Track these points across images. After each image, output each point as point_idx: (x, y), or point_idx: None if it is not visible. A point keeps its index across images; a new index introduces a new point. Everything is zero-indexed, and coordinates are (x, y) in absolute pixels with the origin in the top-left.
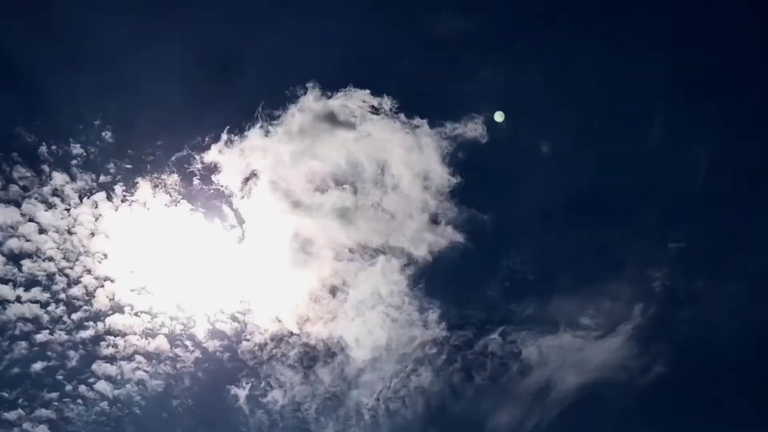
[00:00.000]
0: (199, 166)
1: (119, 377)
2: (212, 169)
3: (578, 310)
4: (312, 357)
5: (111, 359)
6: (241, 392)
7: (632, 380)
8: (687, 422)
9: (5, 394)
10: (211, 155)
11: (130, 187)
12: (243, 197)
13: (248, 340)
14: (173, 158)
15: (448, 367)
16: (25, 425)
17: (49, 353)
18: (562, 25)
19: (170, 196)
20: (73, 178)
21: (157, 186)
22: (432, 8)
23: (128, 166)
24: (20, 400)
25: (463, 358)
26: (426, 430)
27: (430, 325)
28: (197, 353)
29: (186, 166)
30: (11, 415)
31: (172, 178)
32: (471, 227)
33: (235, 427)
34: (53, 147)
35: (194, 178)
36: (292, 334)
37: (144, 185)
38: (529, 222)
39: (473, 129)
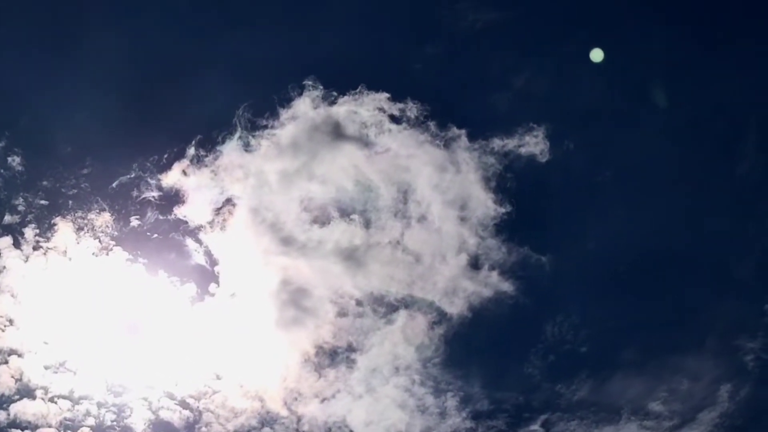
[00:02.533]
0: (153, 193)
1: None
2: (171, 196)
3: (647, 393)
4: None
5: None
6: None
7: None
8: None
9: None
10: (171, 178)
11: (45, 229)
12: (213, 233)
13: None
14: (114, 185)
15: None
16: None
17: None
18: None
19: (100, 241)
20: None
21: (82, 228)
22: None
23: (43, 202)
24: None
25: None
26: None
27: (449, 413)
28: None
29: (132, 194)
30: None
31: (103, 217)
32: (524, 273)
33: None
34: None
35: (133, 215)
36: (273, 419)
37: (64, 227)
38: (588, 272)
39: (529, 143)
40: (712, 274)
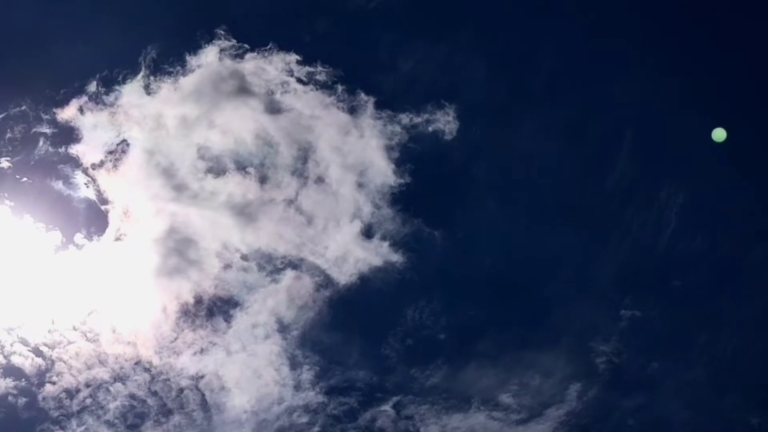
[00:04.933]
0: (45, 129)
1: None
2: (66, 132)
3: (498, 385)
4: (139, 413)
5: None
6: None
7: None
8: None
9: None
10: (67, 113)
11: None
12: (104, 173)
13: (54, 383)
14: (2, 116)
15: None
16: None
17: None
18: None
19: None
20: None
21: None
22: None
23: None
24: None
25: None
26: None
27: (302, 386)
28: None
29: (22, 127)
30: None
31: None
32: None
33: None
34: None
35: (8, 154)
36: (138, 369)
37: None
38: (457, 262)
39: (439, 120)
40: (574, 278)
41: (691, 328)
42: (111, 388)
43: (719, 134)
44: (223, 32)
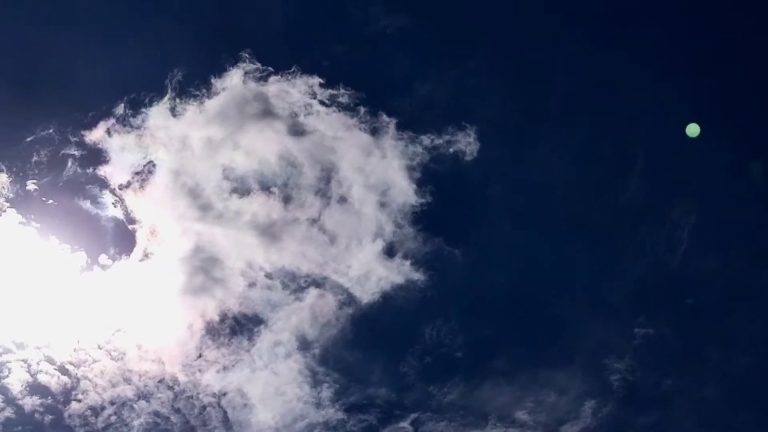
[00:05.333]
0: (73, 151)
1: None
2: (94, 154)
3: (513, 402)
4: (163, 430)
5: None
6: None
7: None
8: None
9: None
10: (95, 135)
11: None
12: (130, 194)
13: (80, 401)
14: (30, 140)
15: None
16: None
17: None
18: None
19: None
20: None
21: None
22: None
23: None
24: None
25: None
26: None
27: (323, 403)
28: (8, 412)
29: (49, 150)
30: None
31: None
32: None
33: None
34: None
35: (35, 177)
36: (161, 386)
37: None
38: (473, 282)
39: (460, 141)
40: (588, 296)
41: (704, 345)
42: (135, 406)
43: (693, 129)
44: (247, 55)
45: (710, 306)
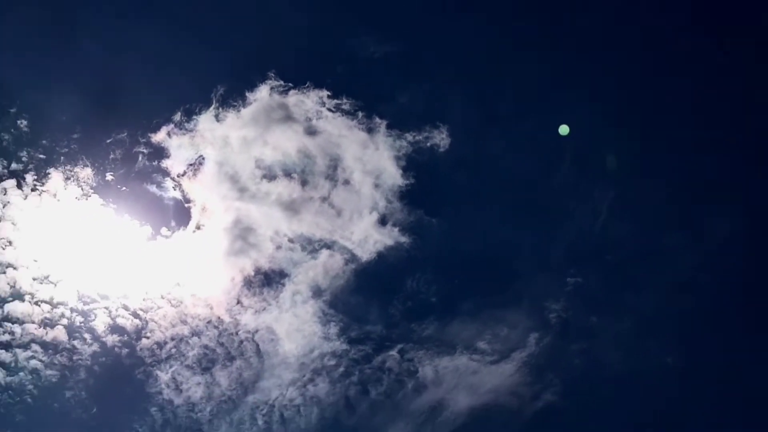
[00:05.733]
0: (143, 149)
1: (13, 365)
2: (158, 151)
3: (476, 335)
4: (210, 359)
5: (6, 346)
6: (137, 389)
7: (522, 407)
8: None
9: None
10: (159, 137)
11: (42, 177)
12: (187, 181)
13: (148, 338)
14: (109, 141)
15: (345, 379)
16: None
17: None
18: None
19: (81, 189)
20: None
21: (69, 178)
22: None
23: (41, 155)
24: None
25: (361, 372)
26: None
27: (330, 337)
28: (95, 347)
29: (122, 150)
30: None
31: (86, 172)
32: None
33: (128, 424)
34: None
35: (111, 171)
36: (213, 326)
37: (56, 176)
38: (447, 242)
39: (435, 137)
40: (531, 254)
41: (620, 291)
42: (189, 341)
43: (564, 129)
44: (272, 74)
45: (625, 261)
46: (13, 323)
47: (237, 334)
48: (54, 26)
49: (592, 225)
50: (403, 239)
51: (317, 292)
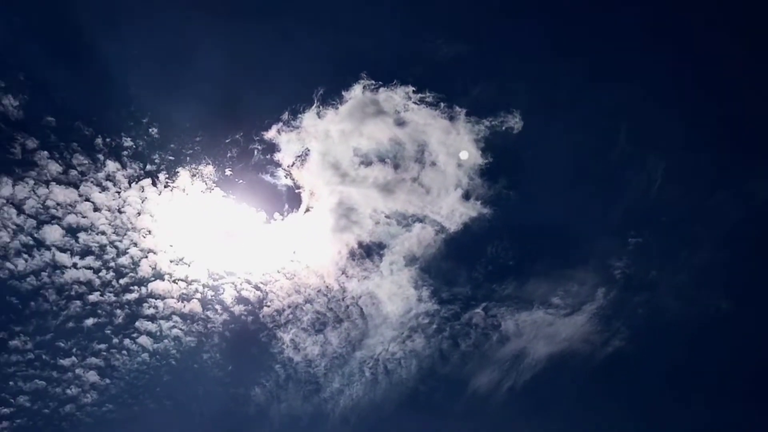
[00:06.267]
0: (257, 146)
1: (158, 333)
2: (270, 146)
3: (550, 292)
4: (322, 322)
5: (152, 318)
6: (262, 350)
7: (594, 352)
8: (638, 389)
9: (61, 344)
10: (270, 134)
11: (172, 175)
12: (296, 171)
13: (269, 307)
14: (227, 141)
15: (438, 335)
16: (78, 371)
17: (99, 311)
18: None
19: (205, 183)
20: (123, 166)
21: (195, 175)
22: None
23: (171, 157)
24: (74, 350)
25: (451, 328)
26: (417, 387)
27: (423, 299)
28: (225, 316)
29: (238, 148)
30: (66, 362)
31: (208, 169)
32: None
33: (256, 379)
34: (107, 139)
35: (230, 166)
36: (323, 294)
37: (183, 174)
38: (520, 211)
39: (509, 121)
40: (596, 219)
41: (676, 247)
42: (303, 308)
43: (463, 155)
44: (364, 75)
45: (678, 220)
46: (156, 299)
47: (344, 299)
48: (174, 42)
49: (647, 191)
50: (485, 211)
51: (411, 261)
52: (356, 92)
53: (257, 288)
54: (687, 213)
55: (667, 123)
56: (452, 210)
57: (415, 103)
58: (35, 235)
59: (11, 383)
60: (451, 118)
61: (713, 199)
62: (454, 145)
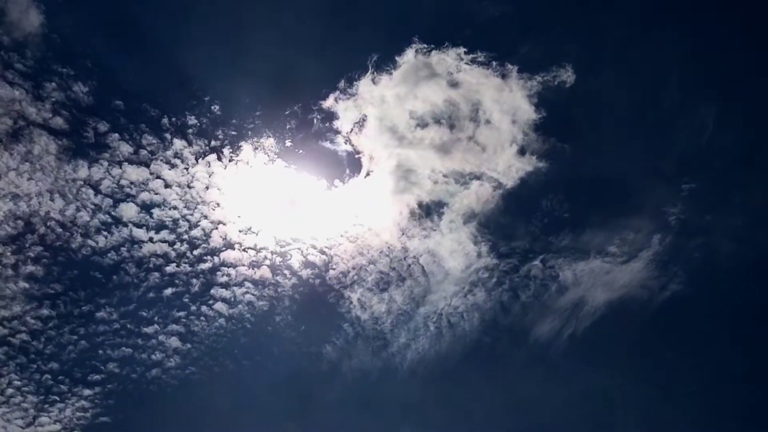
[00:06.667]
0: (316, 116)
1: (232, 299)
2: (329, 115)
3: (606, 241)
4: (386, 281)
5: (225, 285)
6: (331, 310)
7: (652, 297)
8: (696, 331)
9: (144, 313)
10: (328, 103)
11: (236, 149)
12: (354, 137)
13: (334, 269)
14: (287, 113)
15: (498, 288)
16: (161, 337)
17: (176, 281)
18: None
19: (267, 155)
20: (189, 144)
21: (257, 148)
22: None
23: (233, 132)
24: (156, 318)
25: (511, 280)
26: (480, 338)
27: (482, 254)
28: (294, 280)
29: (297, 119)
30: (149, 330)
31: (269, 141)
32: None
33: (326, 338)
34: (173, 119)
35: (290, 138)
36: (385, 254)
37: (246, 148)
38: (575, 163)
39: (561, 74)
40: (650, 166)
41: (729, 191)
42: (367, 268)
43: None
44: (416, 39)
45: (731, 165)
46: (228, 267)
47: (405, 259)
48: (229, 20)
49: (699, 137)
50: (541, 165)
51: (470, 217)
52: (409, 57)
53: (322, 252)
54: (739, 157)
55: (717, 69)
56: (508, 166)
57: (466, 63)
58: (112, 213)
59: (100, 352)
60: (504, 76)
61: (765, 142)
62: (508, 103)
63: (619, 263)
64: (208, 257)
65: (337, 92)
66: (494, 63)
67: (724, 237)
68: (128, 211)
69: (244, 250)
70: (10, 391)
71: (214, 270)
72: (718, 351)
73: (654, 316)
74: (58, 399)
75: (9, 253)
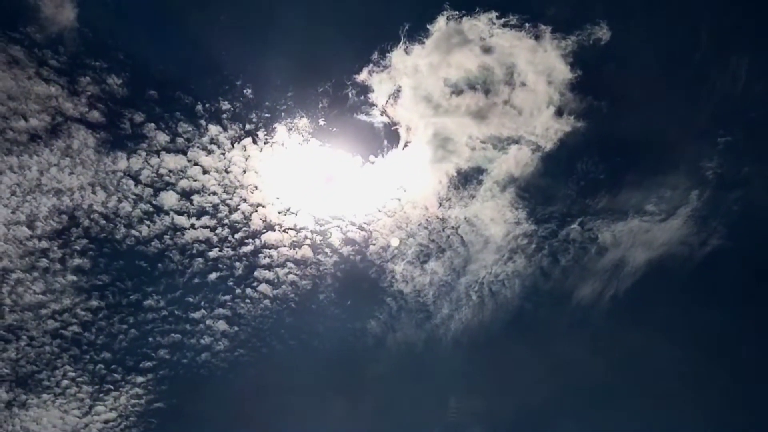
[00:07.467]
0: (350, 90)
1: (276, 280)
2: (364, 89)
3: (643, 200)
4: (426, 254)
5: (268, 267)
6: (373, 285)
7: (692, 253)
8: (739, 284)
9: (190, 299)
10: (362, 77)
11: (270, 132)
12: (390, 107)
13: (374, 245)
14: (320, 91)
15: (538, 253)
16: (208, 322)
17: (220, 265)
18: None
19: (302, 136)
20: (224, 129)
21: (291, 129)
22: None
23: (267, 115)
24: (202, 303)
25: (550, 245)
26: (522, 305)
27: (521, 221)
28: (335, 258)
29: (330, 96)
30: (196, 315)
31: (303, 121)
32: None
33: (370, 313)
34: (207, 105)
35: (323, 116)
36: (424, 226)
37: (280, 129)
38: (613, 122)
39: (596, 32)
40: (685, 119)
41: (766, 143)
42: (407, 242)
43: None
44: (447, 6)
45: (765, 115)
46: (269, 249)
47: (444, 230)
48: (258, 2)
49: (733, 89)
50: (579, 125)
51: (509, 182)
52: (440, 24)
53: (362, 228)
54: None
55: (747, 19)
56: (546, 128)
57: (499, 28)
58: (153, 202)
59: (150, 339)
60: (537, 38)
61: None
62: (543, 64)
63: (657, 221)
64: (250, 240)
65: (371, 65)
66: (527, 25)
67: (763, 188)
68: (169, 199)
69: (284, 230)
70: (65, 382)
71: (256, 252)
72: (762, 304)
73: (695, 272)
74: (112, 387)
75: (56, 248)
